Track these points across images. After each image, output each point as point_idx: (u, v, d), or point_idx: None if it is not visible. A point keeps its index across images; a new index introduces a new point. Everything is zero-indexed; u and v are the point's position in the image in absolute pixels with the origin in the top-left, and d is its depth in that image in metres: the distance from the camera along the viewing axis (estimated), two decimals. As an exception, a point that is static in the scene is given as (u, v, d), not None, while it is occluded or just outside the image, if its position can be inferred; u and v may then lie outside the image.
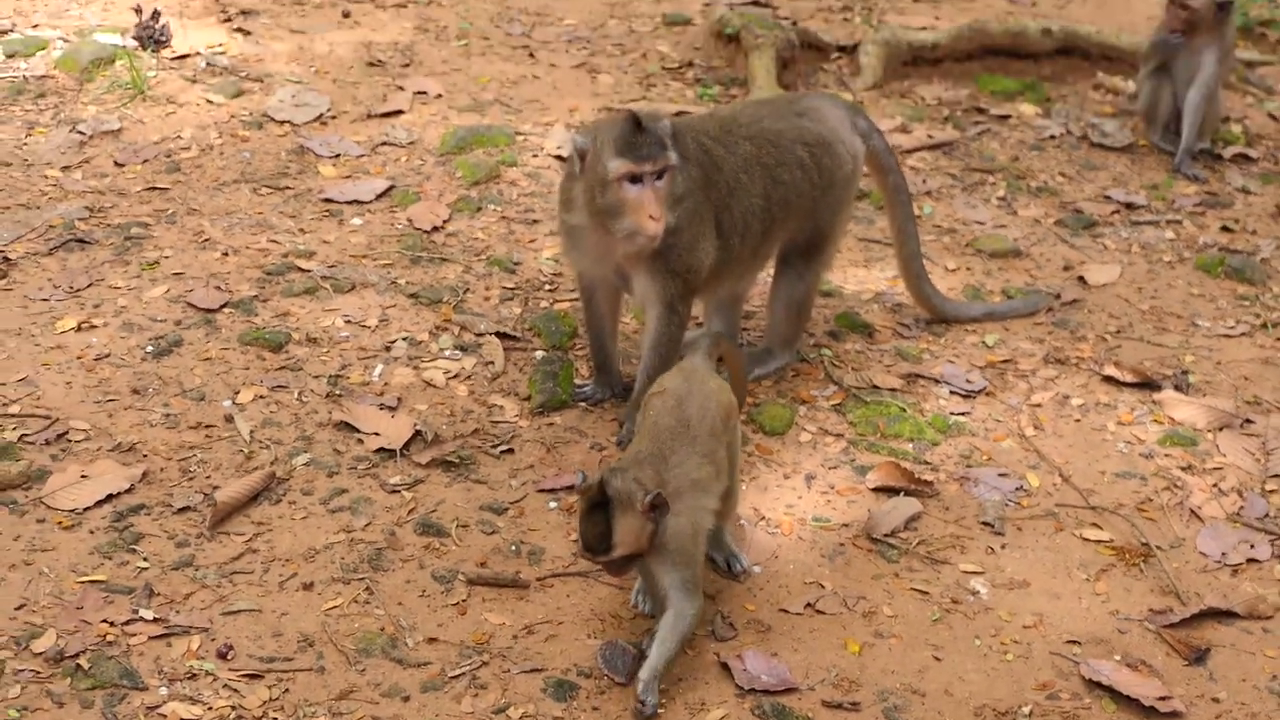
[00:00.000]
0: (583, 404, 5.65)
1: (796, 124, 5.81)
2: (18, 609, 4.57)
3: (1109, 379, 6.18)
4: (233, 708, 4.31)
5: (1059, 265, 7.05)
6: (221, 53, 8.29)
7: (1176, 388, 6.18)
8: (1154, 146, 8.15)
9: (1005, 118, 8.50)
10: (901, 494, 5.42)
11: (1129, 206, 7.67)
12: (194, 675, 4.42)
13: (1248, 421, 6.01)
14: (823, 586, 4.99)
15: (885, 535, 5.23)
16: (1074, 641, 4.86)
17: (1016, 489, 5.52)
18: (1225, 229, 7.55)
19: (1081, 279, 6.94)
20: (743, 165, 5.61)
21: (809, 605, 4.91)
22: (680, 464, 4.53)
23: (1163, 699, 4.64)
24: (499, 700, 4.42)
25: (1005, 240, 7.17)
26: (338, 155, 7.34)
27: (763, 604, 4.89)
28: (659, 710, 4.33)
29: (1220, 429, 5.96)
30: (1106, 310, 6.72)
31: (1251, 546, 5.36)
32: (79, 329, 5.86)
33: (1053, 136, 8.33)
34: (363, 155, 7.37)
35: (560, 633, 4.67)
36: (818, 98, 6.16)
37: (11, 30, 8.36)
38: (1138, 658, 4.82)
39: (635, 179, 5.11)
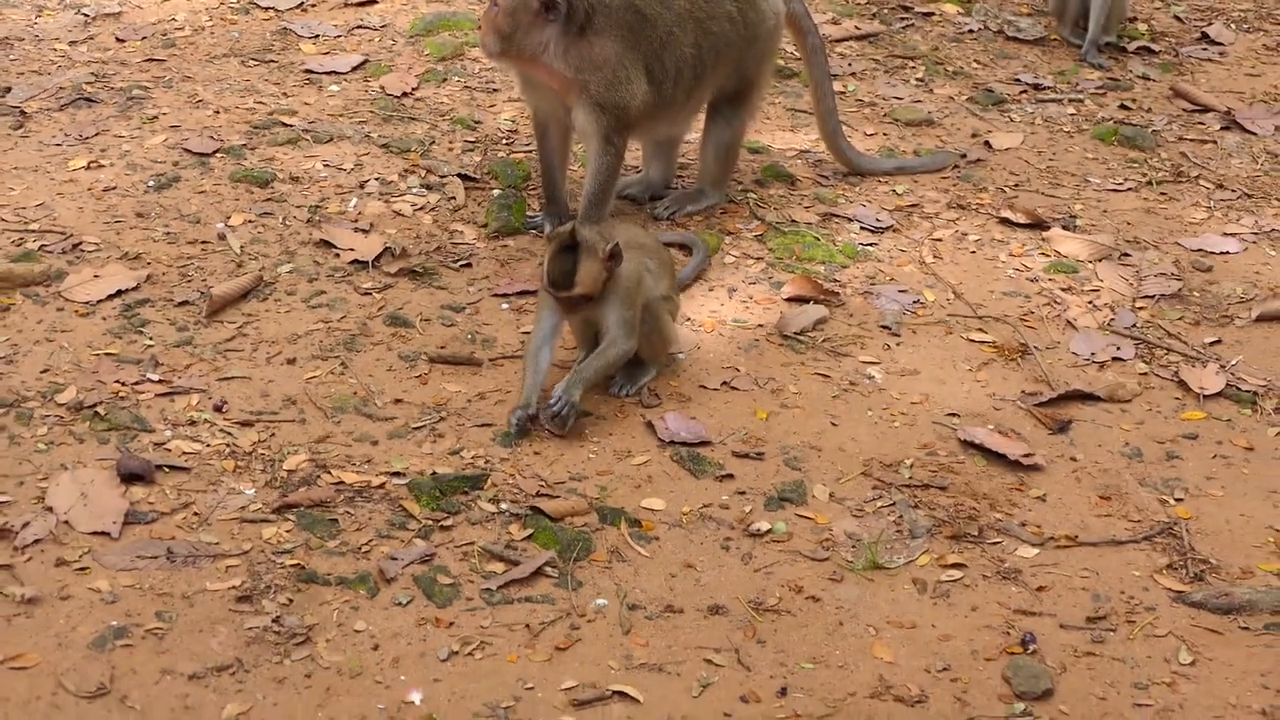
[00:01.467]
0: (533, 231, 6.40)
1: None
2: (42, 372, 5.33)
3: (1004, 221, 6.94)
4: (227, 445, 5.07)
5: (968, 133, 7.81)
6: (210, -50, 9.02)
7: (1064, 228, 6.95)
8: (1064, 40, 8.91)
9: (929, 14, 9.27)
10: (811, 302, 6.17)
11: (1036, 87, 8.44)
12: (194, 422, 5.18)
13: (1125, 255, 6.78)
14: (738, 370, 5.75)
15: (795, 333, 6.00)
16: (954, 414, 5.63)
17: (914, 302, 6.29)
18: (1123, 107, 8.32)
19: (987, 144, 7.71)
20: (676, 20, 6.28)
21: (724, 384, 5.67)
22: (626, 232, 5.49)
23: (1026, 455, 5.41)
24: (454, 445, 5.18)
25: (920, 112, 7.93)
26: (317, 36, 8.11)
27: (685, 382, 5.66)
28: (575, 414, 5.22)
29: (1100, 260, 6.73)
30: (1007, 169, 7.48)
31: (1118, 349, 6.13)
32: (88, 167, 6.61)
33: (971, 31, 9.09)
34: (339, 36, 8.14)
35: (508, 399, 5.43)
36: None
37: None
38: (1009, 427, 5.58)
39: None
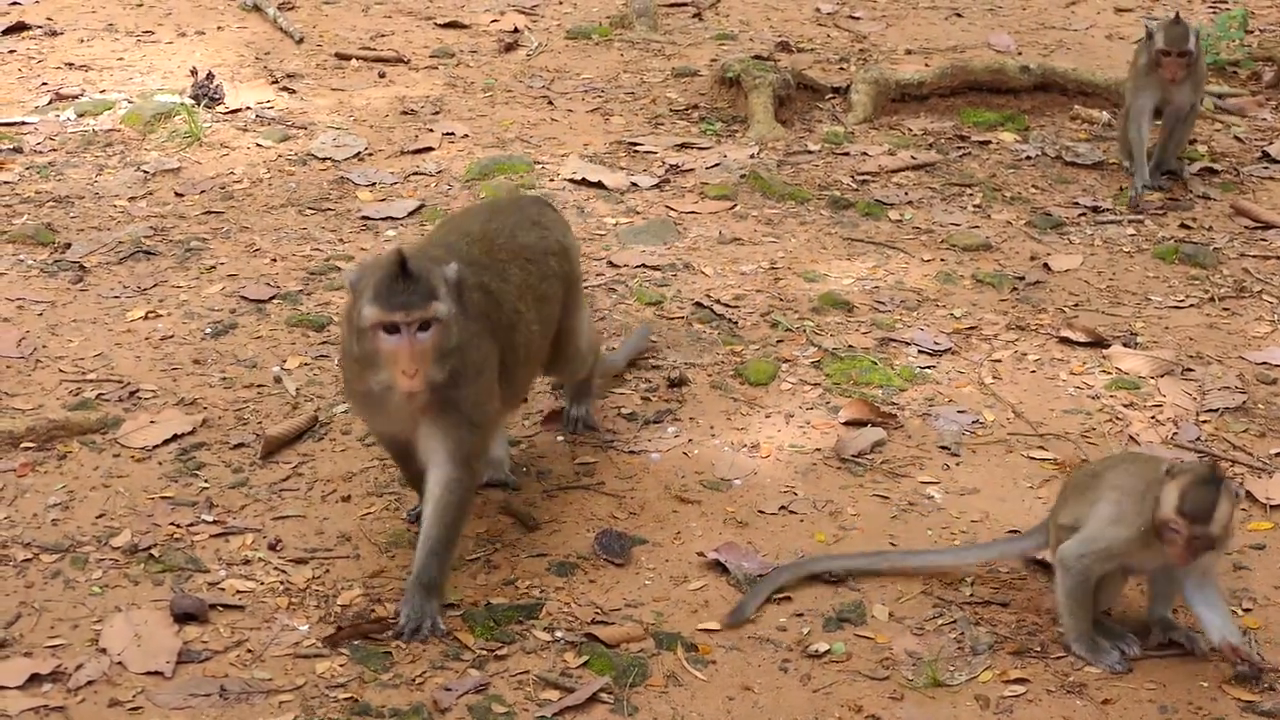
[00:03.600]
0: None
1: (541, 235, 5.48)
2: (98, 517, 5.36)
3: (1064, 340, 6.89)
4: (281, 583, 5.07)
5: (1026, 256, 7.78)
6: (270, 107, 9.19)
7: (1125, 345, 6.89)
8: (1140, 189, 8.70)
9: (986, 143, 9.28)
10: (869, 425, 6.13)
11: (1095, 210, 8.41)
12: (249, 561, 5.18)
13: (1188, 370, 6.71)
14: (795, 494, 5.71)
15: (852, 456, 5.95)
16: (1015, 531, 5.54)
17: (973, 422, 6.24)
18: (1184, 226, 8.27)
19: (1046, 265, 7.67)
20: (518, 293, 5.21)
21: (782, 508, 5.64)
22: None
23: (1090, 569, 5.30)
24: (508, 575, 5.16)
25: (978, 237, 7.92)
26: (374, 184, 8.21)
27: (741, 507, 5.61)
28: None
29: (1163, 376, 6.66)
30: (1067, 289, 7.44)
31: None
32: (146, 318, 6.68)
33: (1029, 157, 9.09)
34: (396, 183, 8.23)
35: (563, 529, 5.40)
36: (537, 204, 5.78)
37: (81, 94, 9.29)
38: (1071, 543, 5.48)
39: (392, 329, 4.63)
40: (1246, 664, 4.81)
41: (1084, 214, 8.34)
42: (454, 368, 4.77)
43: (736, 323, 6.87)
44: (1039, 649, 4.93)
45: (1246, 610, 5.17)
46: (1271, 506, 5.75)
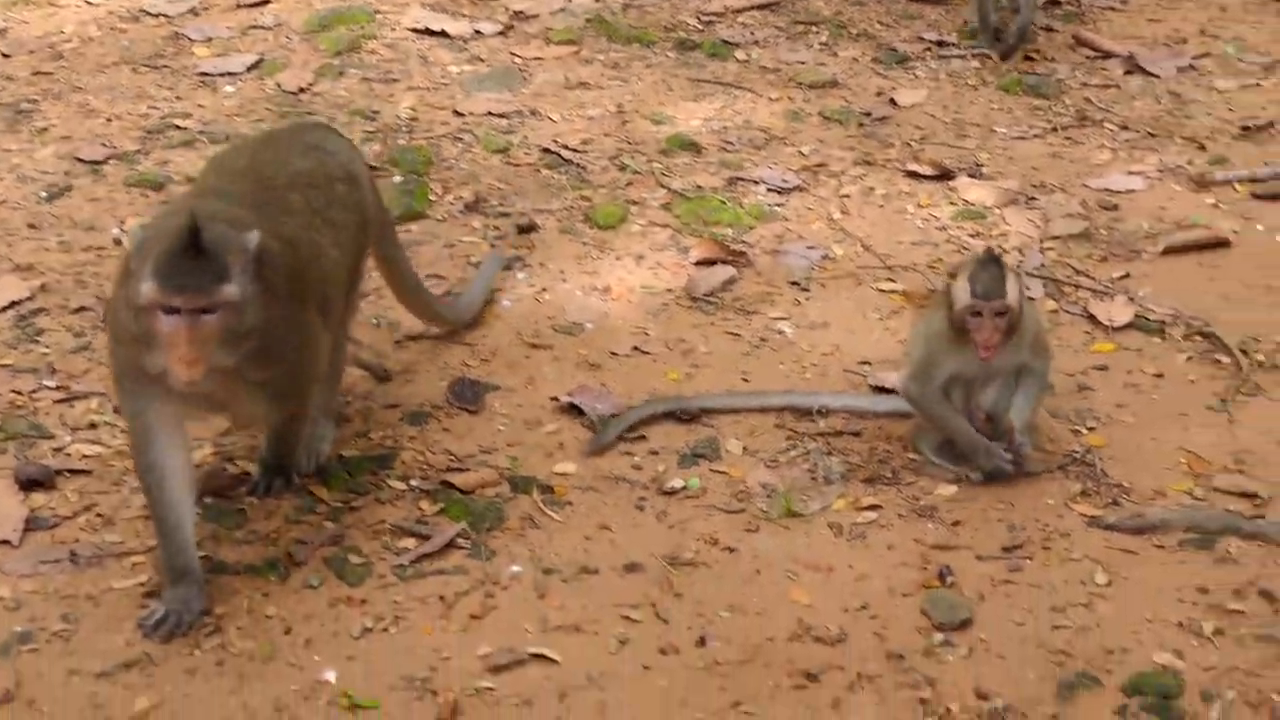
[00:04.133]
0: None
1: (321, 160, 4.82)
2: (-64, 386, 5.23)
3: (911, 173, 6.92)
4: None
5: (872, 92, 7.79)
6: (98, -36, 8.94)
7: (970, 176, 6.94)
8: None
9: (830, -20, 9.24)
10: (719, 264, 6.13)
11: (939, 44, 8.43)
12: (94, 426, 5.11)
13: (1032, 199, 6.77)
14: (647, 334, 5.71)
15: (703, 295, 5.96)
16: (865, 362, 5.60)
17: (823, 257, 6.26)
18: (1027, 58, 8.31)
19: (892, 100, 7.68)
20: (306, 221, 4.58)
21: (635, 349, 5.64)
22: None
23: (938, 396, 5.36)
24: (361, 427, 5.12)
25: (824, 74, 7.90)
26: (210, 39, 8.04)
27: (593, 350, 5.61)
28: None
29: (1007, 205, 6.71)
30: (913, 124, 7.47)
31: (1027, 289, 6.08)
32: (-22, 183, 6.51)
33: (873, -7, 9.07)
34: (233, 38, 8.07)
35: (415, 381, 5.36)
36: (317, 130, 5.20)
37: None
38: (921, 371, 5.54)
39: (170, 310, 3.99)
40: (1013, 452, 4.93)
41: (929, 49, 8.36)
42: (256, 348, 4.15)
43: (584, 167, 6.84)
44: (890, 475, 5.00)
45: (1090, 429, 5.26)
46: (1114, 328, 5.83)
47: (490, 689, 4.09)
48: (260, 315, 4.10)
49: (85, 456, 4.93)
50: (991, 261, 4.79)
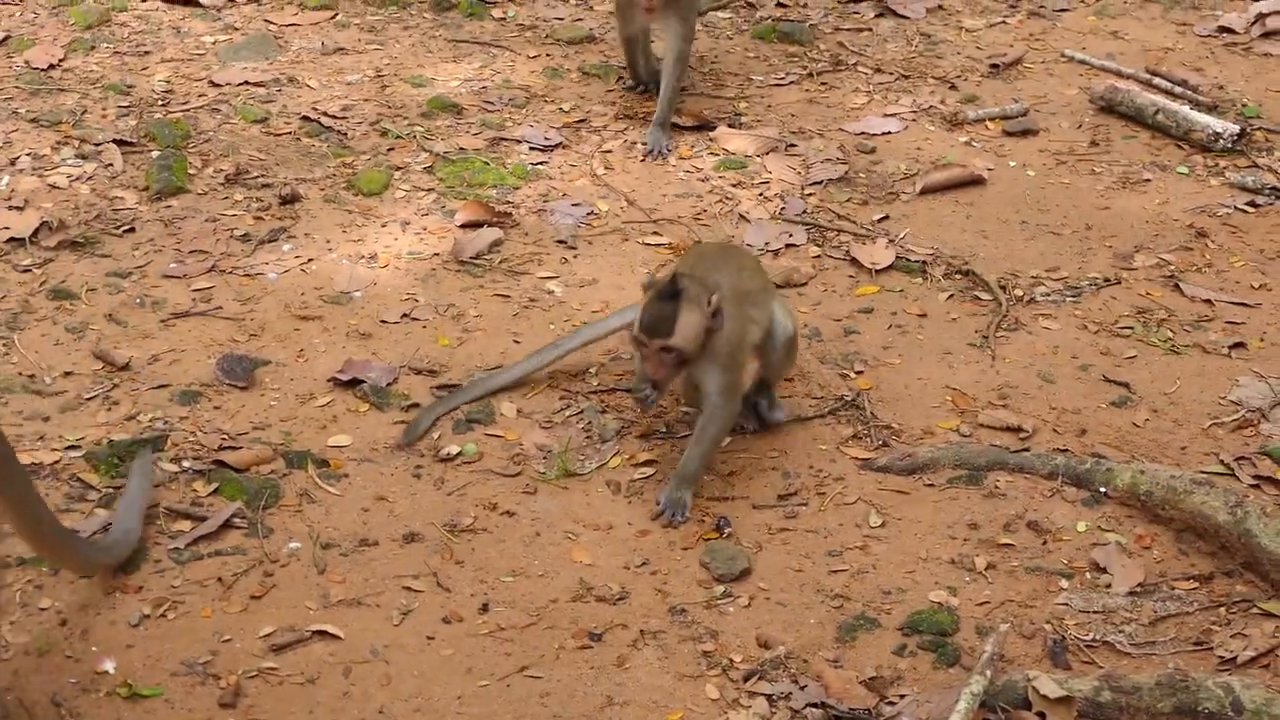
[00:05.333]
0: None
1: None
2: None
3: (672, 125, 6.97)
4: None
5: (630, 46, 7.81)
6: None
7: (730, 125, 7.02)
8: None
9: (583, -66, 9.25)
10: (485, 226, 6.14)
11: (692, -6, 8.47)
12: None
13: (792, 146, 6.88)
14: (416, 300, 5.70)
15: (471, 258, 5.97)
16: (635, 317, 5.63)
17: (588, 214, 6.31)
18: (780, 4, 8.42)
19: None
20: None
21: (404, 316, 5.63)
22: (730, 277, 4.83)
23: (708, 348, 5.44)
24: (130, 410, 5.06)
25: (582, 30, 7.93)
26: (-51, 17, 7.81)
27: (363, 319, 5.59)
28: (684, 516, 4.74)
29: (768, 153, 6.81)
30: (671, 75, 7.50)
31: (790, 235, 6.22)
32: None
33: (628, -54, 9.09)
34: (-24, 13, 7.85)
35: (184, 358, 5.31)
36: None
37: None
38: (690, 324, 5.61)
39: None
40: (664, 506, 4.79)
41: None
42: None
43: (345, 134, 6.80)
44: (665, 429, 5.07)
45: (859, 373, 5.39)
46: (876, 271, 5.96)
47: (273, 669, 4.09)
48: None
49: None
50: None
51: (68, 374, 5.21)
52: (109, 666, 4.10)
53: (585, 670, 4.15)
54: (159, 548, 4.48)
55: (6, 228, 5.94)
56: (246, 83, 7.19)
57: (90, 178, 6.33)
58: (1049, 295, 5.88)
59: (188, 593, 4.34)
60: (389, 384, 5.21)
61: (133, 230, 6.01)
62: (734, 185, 6.53)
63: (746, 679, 4.14)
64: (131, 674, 4.06)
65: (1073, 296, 5.88)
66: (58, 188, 6.26)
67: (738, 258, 5.08)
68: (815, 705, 4.04)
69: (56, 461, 4.81)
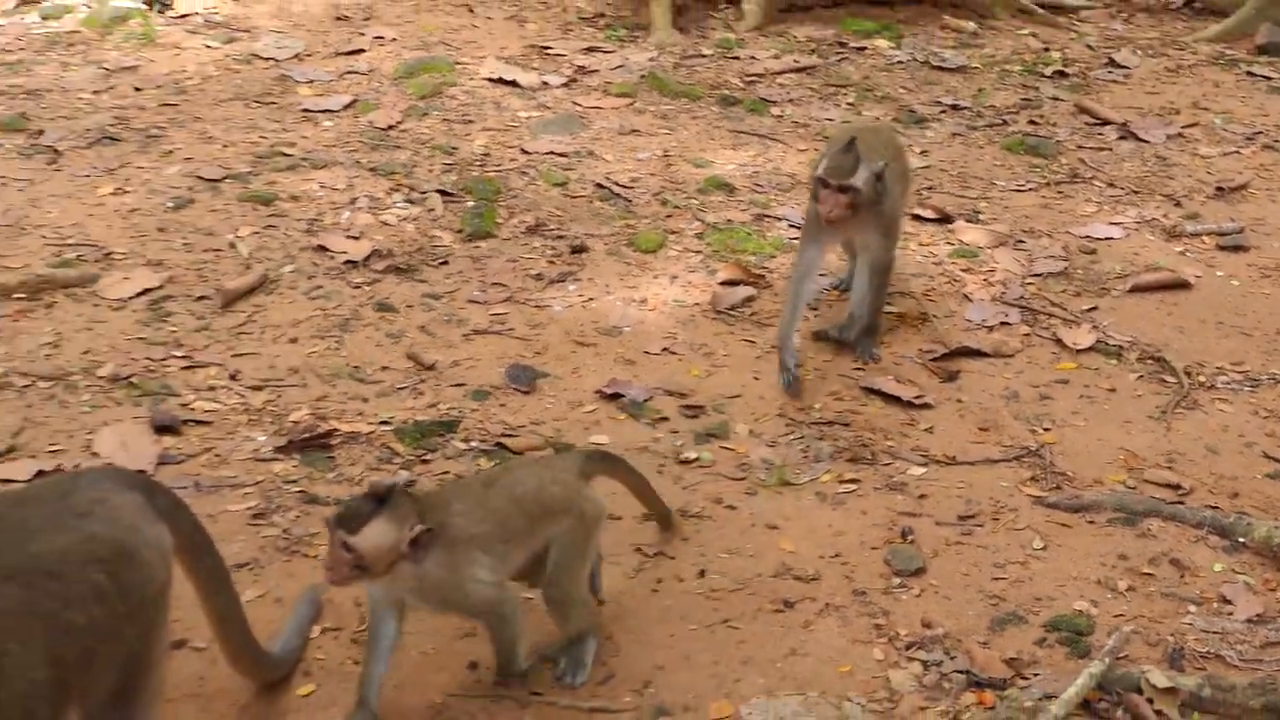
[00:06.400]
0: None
1: (81, 532, 3.64)
2: (84, 354, 6.33)
3: (917, 216, 7.94)
4: (241, 404, 6.08)
5: (891, 147, 8.83)
6: (215, 12, 10.15)
7: (968, 220, 7.97)
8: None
9: (862, 49, 10.33)
10: (741, 285, 7.19)
11: (954, 108, 9.48)
12: (214, 388, 6.18)
13: (1020, 242, 7.79)
14: (676, 338, 6.75)
15: (726, 309, 7.00)
16: (859, 369, 6.62)
17: (831, 285, 7.29)
18: (1031, 122, 9.35)
19: (907, 155, 8.73)
20: (6, 631, 3.40)
21: (664, 349, 6.67)
22: (465, 514, 4.47)
23: (918, 397, 6.39)
24: (433, 400, 6.19)
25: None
26: (312, 80, 9.20)
27: (630, 349, 6.66)
28: None
29: (998, 246, 7.74)
30: (923, 176, 8.50)
31: (1006, 315, 7.12)
32: (114, 193, 7.65)
33: (900, 62, 10.15)
34: (331, 80, 9.23)
35: (479, 365, 6.44)
36: (99, 478, 3.87)
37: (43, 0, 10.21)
38: (906, 377, 6.57)
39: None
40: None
41: (945, 111, 9.39)
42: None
43: (631, 201, 7.91)
44: (871, 457, 6.00)
45: (1046, 430, 6.24)
46: (1077, 350, 6.81)
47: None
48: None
49: (206, 411, 5.99)
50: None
51: (385, 368, 6.35)
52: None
53: (776, 628, 5.08)
54: (447, 502, 5.54)
55: (344, 252, 7.14)
56: (552, 152, 8.37)
57: (415, 219, 7.54)
58: (1229, 383, 6.64)
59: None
60: (645, 400, 6.23)
61: (446, 263, 7.17)
62: (963, 270, 7.45)
63: (908, 648, 5.01)
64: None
65: (1251, 386, 6.64)
66: (388, 224, 7.46)
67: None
68: (961, 672, 4.91)
69: (371, 432, 5.92)
